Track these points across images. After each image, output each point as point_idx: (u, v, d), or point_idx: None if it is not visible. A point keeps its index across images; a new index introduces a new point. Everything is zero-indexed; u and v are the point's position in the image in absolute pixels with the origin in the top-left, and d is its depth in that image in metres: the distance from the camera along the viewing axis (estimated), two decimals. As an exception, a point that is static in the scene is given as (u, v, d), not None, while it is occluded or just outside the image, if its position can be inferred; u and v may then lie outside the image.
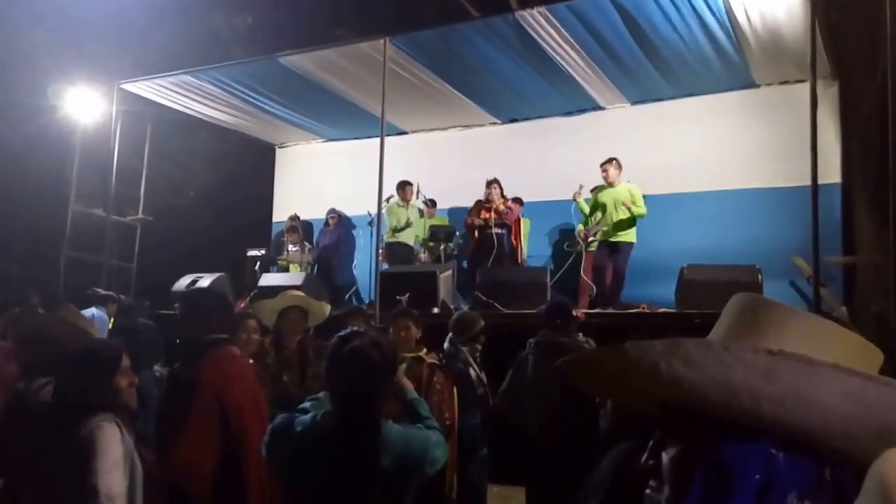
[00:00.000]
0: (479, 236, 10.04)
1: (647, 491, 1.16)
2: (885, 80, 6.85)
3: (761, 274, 7.82)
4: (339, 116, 11.84)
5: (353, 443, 2.53)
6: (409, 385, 3.12)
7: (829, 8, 8.00)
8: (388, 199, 9.70)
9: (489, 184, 9.96)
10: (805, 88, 7.62)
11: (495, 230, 9.88)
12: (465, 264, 10.67)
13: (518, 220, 10.33)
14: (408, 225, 10.55)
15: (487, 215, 9.91)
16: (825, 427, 0.93)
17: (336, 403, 2.63)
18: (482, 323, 5.39)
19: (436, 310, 8.26)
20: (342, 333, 2.67)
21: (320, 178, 10.83)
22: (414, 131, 12.40)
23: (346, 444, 2.53)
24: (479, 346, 5.39)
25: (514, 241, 10.22)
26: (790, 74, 9.44)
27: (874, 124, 7.75)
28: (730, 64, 9.30)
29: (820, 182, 7.13)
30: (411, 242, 10.70)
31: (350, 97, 10.94)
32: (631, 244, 9.22)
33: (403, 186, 10.71)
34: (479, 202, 10.16)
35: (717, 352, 0.98)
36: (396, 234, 10.50)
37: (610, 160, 9.33)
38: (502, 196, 10.06)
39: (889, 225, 6.55)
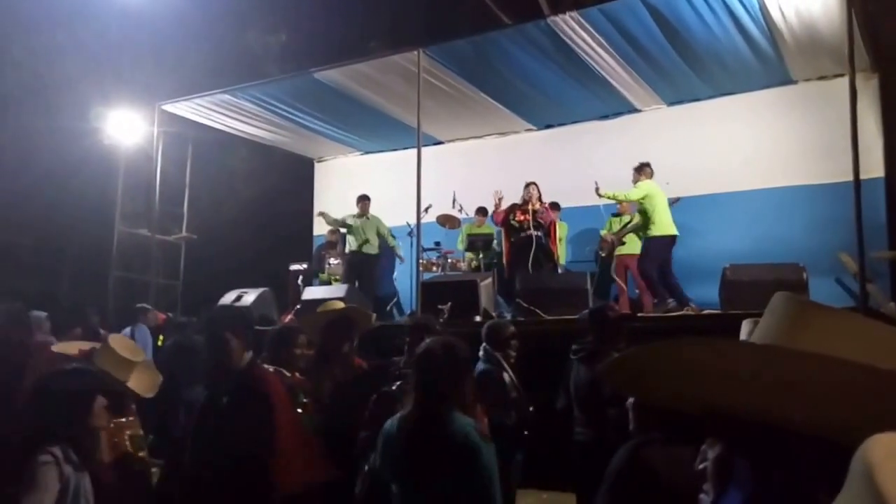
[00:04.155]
0: (516, 239, 9.97)
1: (701, 496, 1.19)
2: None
3: (806, 272, 7.66)
4: (375, 129, 11.94)
5: (423, 433, 2.91)
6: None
7: None
8: (426, 209, 9.75)
9: (527, 185, 9.94)
10: (844, 82, 7.50)
11: (533, 232, 9.76)
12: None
13: (554, 224, 10.28)
14: (367, 240, 10.68)
15: (524, 217, 9.84)
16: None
17: (412, 399, 3.02)
18: (512, 329, 5.36)
19: (478, 318, 8.22)
20: (427, 340, 3.12)
21: (359, 191, 10.89)
22: (450, 140, 12.46)
23: (418, 434, 2.93)
24: (513, 353, 5.40)
25: (551, 245, 10.16)
26: (828, 69, 9.31)
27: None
28: (766, 61, 9.20)
29: (862, 177, 7.05)
30: (374, 252, 10.81)
31: (385, 109, 11.02)
32: (643, 244, 9.03)
33: (361, 200, 10.85)
34: (514, 205, 10.12)
35: (768, 354, 1.00)
36: (363, 247, 10.67)
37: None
38: (539, 199, 10.04)
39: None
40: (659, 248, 8.73)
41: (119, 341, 3.87)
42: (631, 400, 2.90)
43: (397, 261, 11.14)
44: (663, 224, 8.71)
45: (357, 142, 12.87)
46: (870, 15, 8.11)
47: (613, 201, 9.36)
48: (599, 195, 9.02)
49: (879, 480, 0.66)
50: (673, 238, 8.75)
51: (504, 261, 10.22)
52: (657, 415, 2.48)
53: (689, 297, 8.52)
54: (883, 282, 8.57)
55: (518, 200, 10.00)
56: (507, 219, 9.92)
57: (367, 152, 13.30)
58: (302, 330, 4.69)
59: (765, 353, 1.03)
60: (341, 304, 5.69)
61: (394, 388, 3.73)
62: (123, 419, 3.63)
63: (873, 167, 8.62)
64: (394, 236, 11.06)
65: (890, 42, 8.68)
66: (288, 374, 4.31)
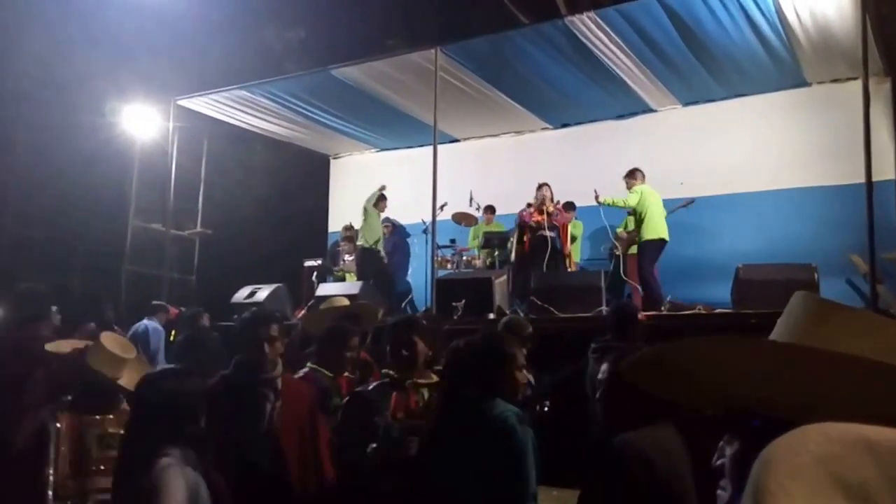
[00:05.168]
0: (531, 238, 10.01)
1: (719, 491, 1.19)
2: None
3: (818, 272, 7.69)
4: (391, 126, 12.02)
5: (449, 421, 3.16)
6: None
7: (880, 3, 7.93)
8: (441, 207, 9.80)
9: (541, 186, 9.98)
10: (857, 86, 7.62)
11: (548, 233, 9.81)
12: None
13: (566, 225, 10.32)
14: (380, 238, 10.79)
15: (540, 218, 9.90)
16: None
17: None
18: (530, 328, 5.34)
19: (492, 315, 8.25)
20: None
21: (374, 188, 10.94)
22: (466, 139, 12.53)
23: (444, 421, 3.18)
24: (524, 350, 5.43)
25: (563, 246, 10.17)
26: (842, 72, 9.40)
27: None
28: (780, 63, 9.28)
29: (874, 179, 7.14)
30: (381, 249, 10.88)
31: (402, 107, 11.09)
32: (638, 247, 9.23)
33: (384, 199, 10.92)
34: (530, 205, 10.19)
35: (790, 353, 1.02)
36: (375, 244, 10.71)
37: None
38: (552, 199, 10.10)
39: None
40: (651, 251, 8.96)
41: (110, 339, 3.85)
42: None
43: (412, 258, 11.18)
44: (656, 228, 8.93)
45: (373, 139, 12.94)
46: (884, 19, 8.17)
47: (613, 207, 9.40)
48: (599, 202, 9.13)
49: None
50: (663, 241, 8.95)
51: (514, 259, 10.22)
52: (638, 404, 2.48)
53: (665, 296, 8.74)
54: (893, 283, 8.63)
55: (532, 200, 10.05)
56: (527, 220, 10.02)
57: (382, 149, 13.37)
58: (355, 332, 4.58)
59: (787, 352, 1.04)
60: (346, 301, 5.80)
61: (370, 388, 3.60)
62: (111, 416, 3.63)
63: (885, 170, 8.68)
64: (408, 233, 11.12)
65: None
66: (330, 374, 4.31)
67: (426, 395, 3.55)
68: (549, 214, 9.84)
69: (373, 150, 13.53)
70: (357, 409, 3.48)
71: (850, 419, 0.69)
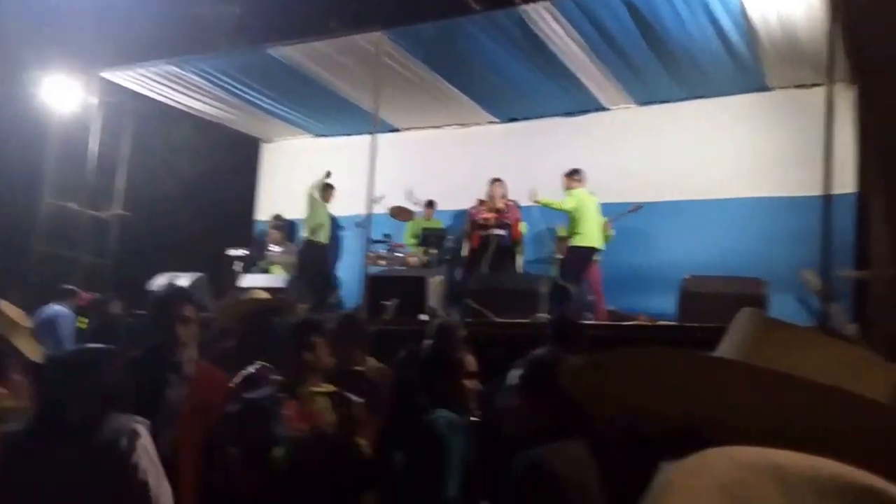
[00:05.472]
0: (479, 238, 9.73)
1: None
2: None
3: (767, 287, 7.49)
4: (329, 111, 11.51)
5: (391, 433, 3.32)
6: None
7: (848, 8, 7.69)
8: (378, 200, 9.35)
9: (493, 182, 9.67)
10: (820, 92, 7.40)
11: (494, 231, 9.55)
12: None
13: (517, 222, 9.97)
14: (321, 225, 10.24)
15: (488, 216, 9.61)
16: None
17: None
18: (463, 332, 5.00)
19: (423, 316, 7.91)
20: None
21: (307, 176, 10.43)
22: (407, 129, 12.00)
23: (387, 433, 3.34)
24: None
25: (514, 245, 9.90)
26: (805, 77, 9.09)
27: (894, 132, 7.46)
28: (742, 65, 8.99)
29: (834, 192, 6.92)
30: (325, 242, 10.37)
31: (342, 91, 10.63)
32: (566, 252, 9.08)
33: (330, 188, 10.38)
34: (482, 202, 9.87)
35: (730, 368, 0.99)
36: (315, 233, 10.17)
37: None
38: (504, 196, 9.74)
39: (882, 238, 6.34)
40: (580, 259, 8.79)
41: (7, 305, 3.75)
42: None
43: (343, 252, 10.74)
44: (587, 235, 8.72)
45: (309, 123, 12.35)
46: (852, 25, 7.91)
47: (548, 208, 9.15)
48: (535, 202, 8.93)
49: None
50: (593, 250, 8.80)
51: (467, 259, 9.98)
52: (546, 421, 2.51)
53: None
54: (846, 302, 8.41)
55: (484, 197, 9.75)
56: (475, 219, 9.74)
57: (319, 135, 12.78)
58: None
59: (725, 368, 1.01)
60: (265, 295, 5.52)
61: (259, 393, 3.33)
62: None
63: (845, 182, 8.43)
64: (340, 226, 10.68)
65: (871, 54, 8.48)
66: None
67: (324, 405, 3.28)
68: (498, 212, 9.53)
69: (308, 136, 12.90)
70: (250, 417, 3.23)
71: (775, 441, 0.66)
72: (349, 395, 3.43)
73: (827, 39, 7.11)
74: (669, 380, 0.99)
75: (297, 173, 11.00)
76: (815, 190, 7.15)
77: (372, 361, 4.58)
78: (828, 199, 6.85)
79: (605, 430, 1.18)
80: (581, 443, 2.36)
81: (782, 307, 7.59)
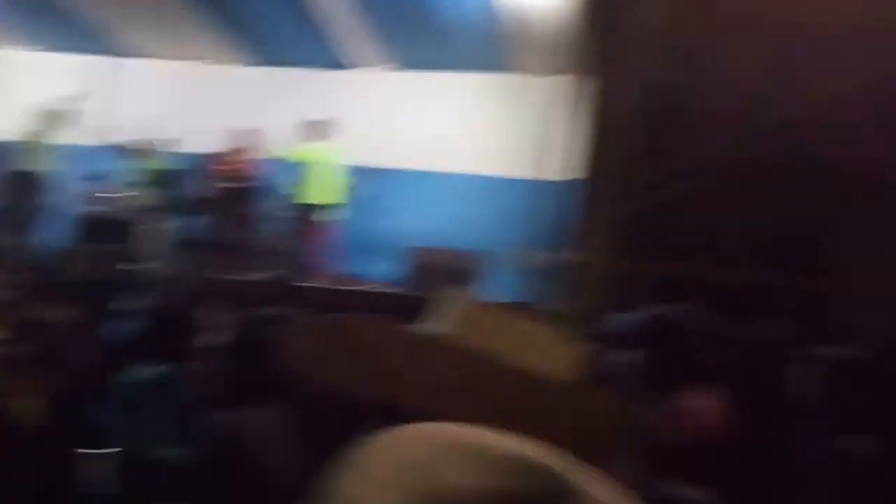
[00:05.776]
0: (216, 188, 9.45)
1: None
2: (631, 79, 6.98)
3: (482, 262, 8.11)
4: (59, 25, 10.01)
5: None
6: None
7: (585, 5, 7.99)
8: (98, 131, 8.63)
9: (237, 131, 9.45)
10: (552, 80, 7.83)
11: (232, 182, 9.35)
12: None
13: (257, 173, 9.69)
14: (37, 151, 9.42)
15: (228, 166, 9.45)
16: None
17: None
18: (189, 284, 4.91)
19: (138, 265, 7.64)
20: None
21: (17, 95, 9.36)
22: (147, 57, 10.58)
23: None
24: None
25: (248, 197, 9.56)
26: (545, 65, 9.32)
27: (616, 122, 7.88)
28: (488, 45, 9.11)
29: (551, 178, 7.36)
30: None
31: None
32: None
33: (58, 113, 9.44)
34: (224, 150, 9.58)
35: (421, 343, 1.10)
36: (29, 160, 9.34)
37: None
38: (247, 145, 9.47)
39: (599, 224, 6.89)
40: (301, 216, 8.96)
41: None
42: None
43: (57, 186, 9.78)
44: (315, 192, 8.89)
45: (29, 36, 10.66)
46: (584, 17, 8.22)
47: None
48: (270, 155, 9.07)
49: None
50: (313, 207, 8.93)
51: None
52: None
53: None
54: (552, 283, 8.85)
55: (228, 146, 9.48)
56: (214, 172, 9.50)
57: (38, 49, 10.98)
58: None
59: (420, 342, 1.10)
60: None
61: None
62: None
63: (563, 169, 8.84)
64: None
65: (597, 50, 8.92)
66: None
67: None
68: (239, 162, 9.38)
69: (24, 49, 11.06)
70: None
71: (467, 418, 0.68)
72: None
73: (558, 26, 7.46)
74: (372, 353, 1.06)
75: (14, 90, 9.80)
76: (538, 173, 7.54)
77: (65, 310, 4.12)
78: (546, 184, 7.37)
79: (313, 396, 1.24)
80: (279, 407, 2.35)
81: (496, 282, 8.09)
